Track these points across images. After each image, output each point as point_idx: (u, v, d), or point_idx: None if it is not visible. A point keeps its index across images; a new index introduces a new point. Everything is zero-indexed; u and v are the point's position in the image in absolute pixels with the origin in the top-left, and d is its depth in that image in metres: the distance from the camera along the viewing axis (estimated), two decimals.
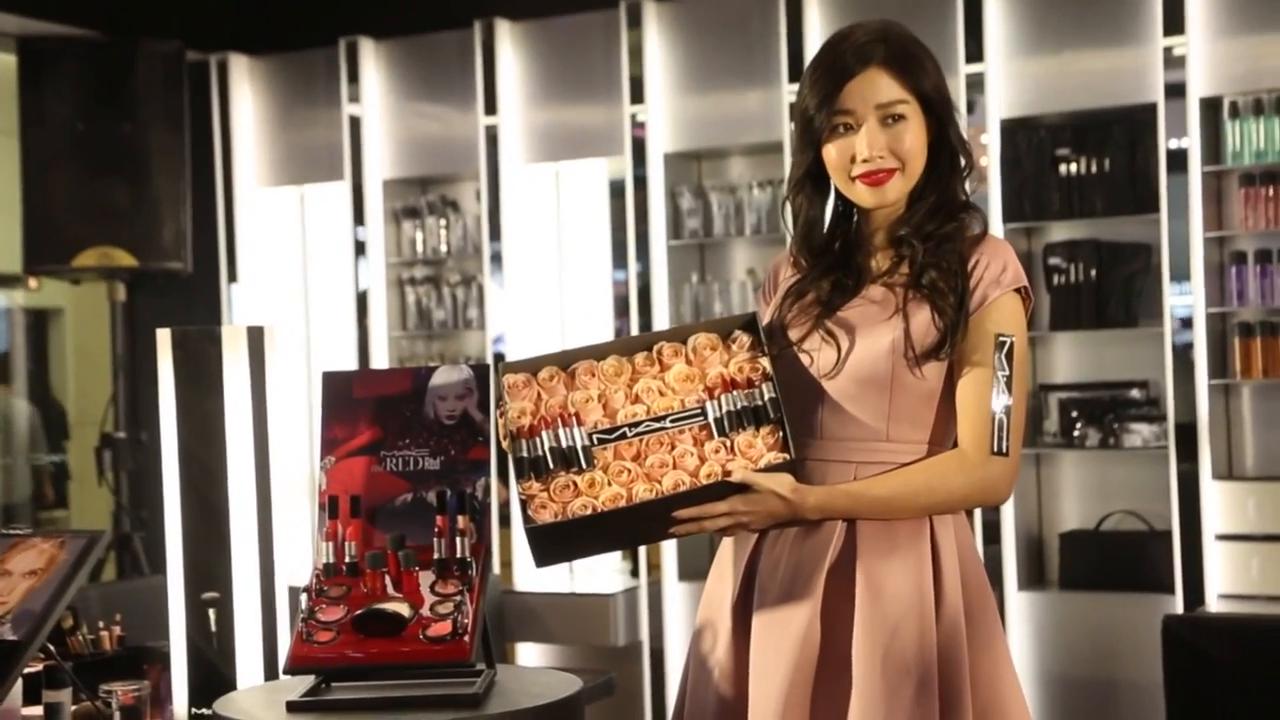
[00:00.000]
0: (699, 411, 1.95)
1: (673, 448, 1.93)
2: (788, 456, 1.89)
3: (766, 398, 1.93)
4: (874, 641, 1.89)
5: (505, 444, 1.97)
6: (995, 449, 1.90)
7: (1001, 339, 1.91)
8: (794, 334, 2.00)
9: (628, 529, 1.96)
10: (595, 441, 1.94)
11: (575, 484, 1.92)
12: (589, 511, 1.90)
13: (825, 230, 2.03)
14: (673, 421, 1.95)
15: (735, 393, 1.94)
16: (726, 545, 2.06)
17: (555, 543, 1.93)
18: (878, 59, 1.93)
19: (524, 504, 1.92)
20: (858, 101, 1.93)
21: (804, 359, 1.97)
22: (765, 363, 1.95)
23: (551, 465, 1.93)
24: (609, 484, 1.92)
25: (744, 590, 2.00)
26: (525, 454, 1.94)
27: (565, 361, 2.01)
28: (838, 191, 2.01)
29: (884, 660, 1.88)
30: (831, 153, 1.96)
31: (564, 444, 1.94)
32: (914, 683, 1.88)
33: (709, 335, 2.00)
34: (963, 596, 1.95)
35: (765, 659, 1.94)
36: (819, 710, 1.91)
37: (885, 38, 1.95)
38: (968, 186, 2.01)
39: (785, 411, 1.91)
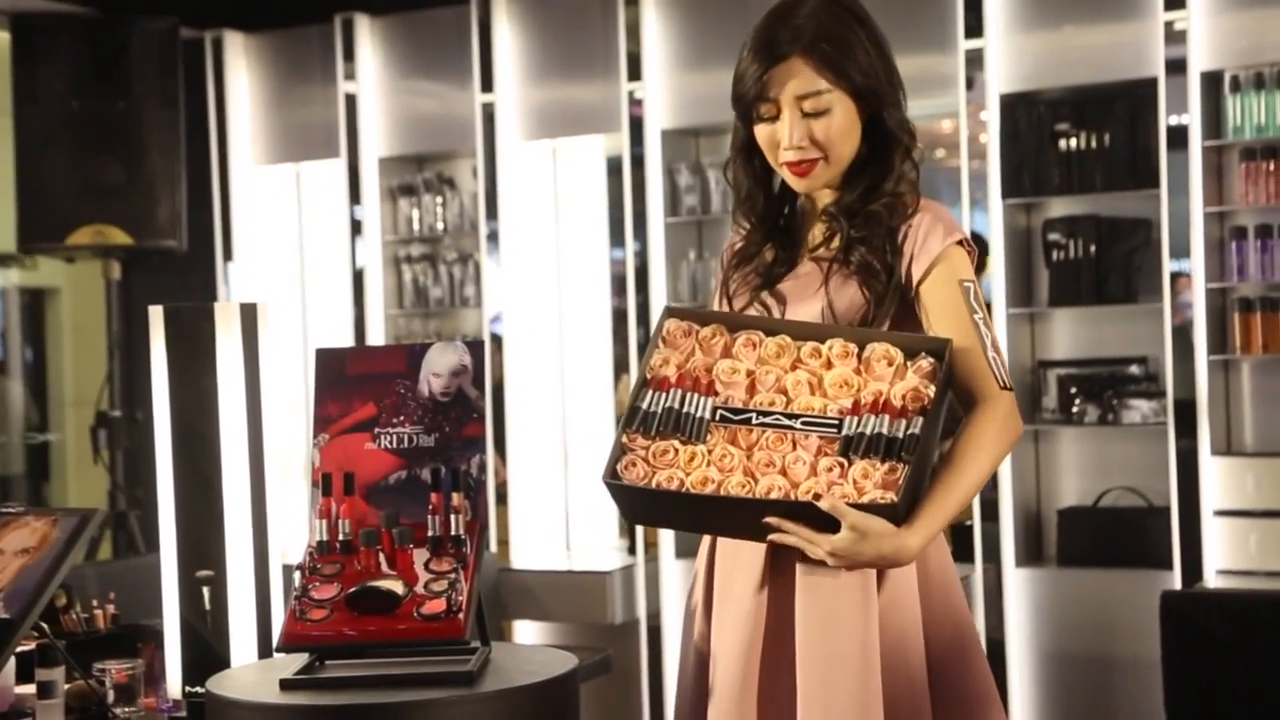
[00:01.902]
0: (835, 423, 1.82)
1: (792, 449, 1.82)
2: (893, 499, 1.75)
3: (907, 433, 1.79)
4: (812, 633, 1.85)
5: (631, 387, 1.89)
6: (1002, 385, 1.89)
7: (965, 284, 1.91)
8: (737, 303, 1.99)
9: (709, 517, 1.86)
10: (718, 418, 1.84)
11: (676, 452, 1.83)
12: (673, 486, 1.81)
13: (771, 197, 2.01)
14: (804, 424, 1.83)
15: (883, 416, 1.81)
16: None
17: (634, 504, 1.86)
18: (802, 45, 1.89)
19: (618, 454, 1.82)
20: (777, 90, 1.90)
21: None
22: (930, 394, 1.81)
23: (664, 427, 1.84)
24: (707, 465, 1.82)
25: (709, 572, 1.98)
26: (645, 405, 1.85)
27: (734, 325, 1.91)
28: (767, 173, 2.00)
29: (824, 653, 1.84)
30: (760, 135, 1.95)
31: (686, 409, 1.84)
32: (854, 674, 1.83)
33: (892, 348, 1.85)
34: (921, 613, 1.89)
35: (721, 640, 1.92)
36: (767, 692, 1.88)
37: (821, 17, 1.90)
38: (915, 160, 1.96)
39: (925, 457, 1.79)
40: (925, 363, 1.85)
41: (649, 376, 1.87)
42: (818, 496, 1.77)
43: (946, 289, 1.91)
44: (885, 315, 1.92)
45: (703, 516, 1.87)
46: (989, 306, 1.99)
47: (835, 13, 1.92)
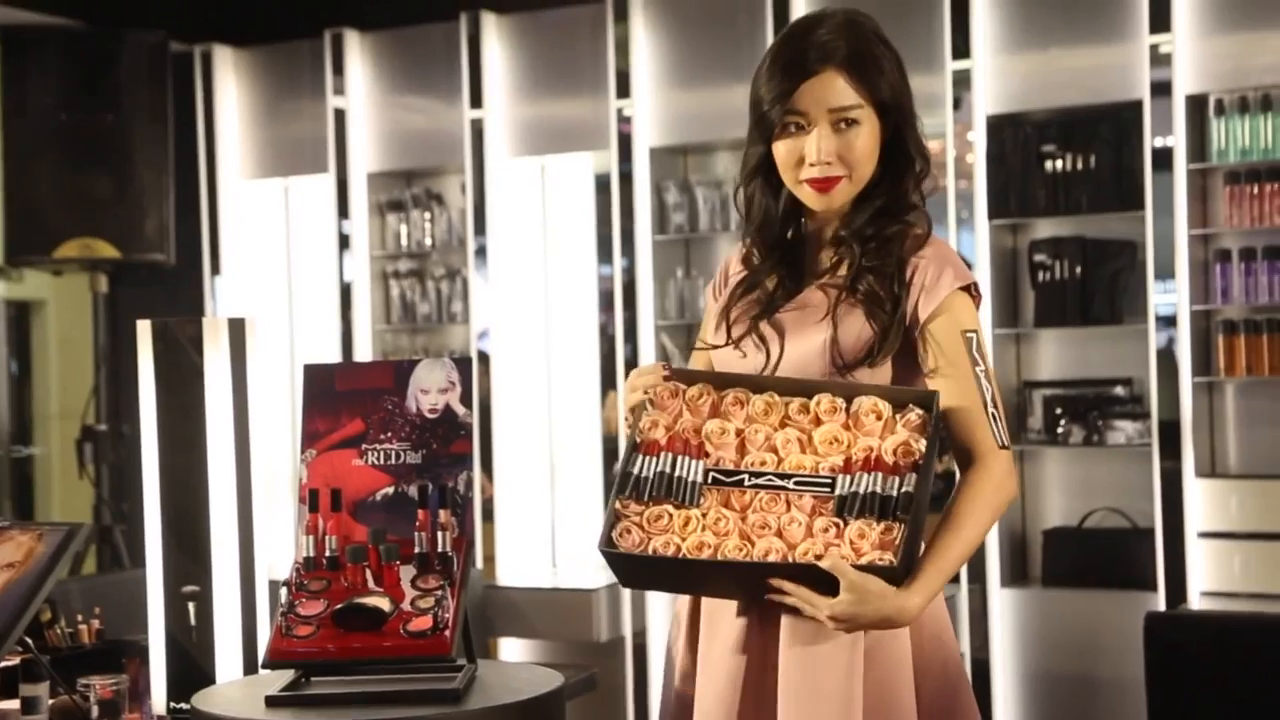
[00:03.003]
0: (828, 483, 1.81)
1: (786, 509, 1.81)
2: (892, 561, 1.74)
3: (901, 491, 1.78)
4: (794, 673, 1.83)
5: (625, 440, 1.88)
6: (1000, 444, 1.87)
7: (968, 335, 1.89)
8: (736, 330, 1.96)
9: (706, 581, 1.85)
10: (711, 480, 1.83)
11: (670, 517, 1.82)
12: (670, 552, 1.80)
13: (783, 222, 1.97)
14: (796, 484, 1.82)
15: (876, 474, 1.80)
16: None
17: (630, 570, 1.85)
18: (836, 60, 1.87)
19: (612, 521, 1.82)
20: (810, 103, 1.87)
21: (739, 357, 1.95)
22: (921, 448, 1.80)
23: (657, 491, 1.83)
24: (702, 529, 1.81)
25: (693, 614, 1.96)
26: (636, 469, 1.84)
27: (721, 383, 1.89)
28: (781, 195, 1.96)
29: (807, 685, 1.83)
30: (780, 151, 1.90)
31: (678, 473, 1.83)
32: (835, 714, 1.82)
33: (878, 402, 1.83)
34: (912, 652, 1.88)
35: (706, 679, 1.90)
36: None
37: (848, 35, 1.89)
38: (924, 189, 1.95)
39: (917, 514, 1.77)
40: (914, 415, 1.83)
41: (639, 441, 1.86)
42: (818, 558, 1.76)
43: (950, 338, 1.88)
44: (891, 349, 1.88)
45: (700, 580, 1.86)
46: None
47: (861, 31, 1.91)
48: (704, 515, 1.82)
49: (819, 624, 1.79)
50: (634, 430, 1.87)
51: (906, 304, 1.89)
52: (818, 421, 1.85)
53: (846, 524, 1.79)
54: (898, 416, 1.83)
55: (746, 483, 1.83)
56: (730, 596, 1.87)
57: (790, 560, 1.77)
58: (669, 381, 1.88)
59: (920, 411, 1.83)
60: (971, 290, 1.91)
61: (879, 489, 1.79)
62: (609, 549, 1.81)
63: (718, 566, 1.79)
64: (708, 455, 1.85)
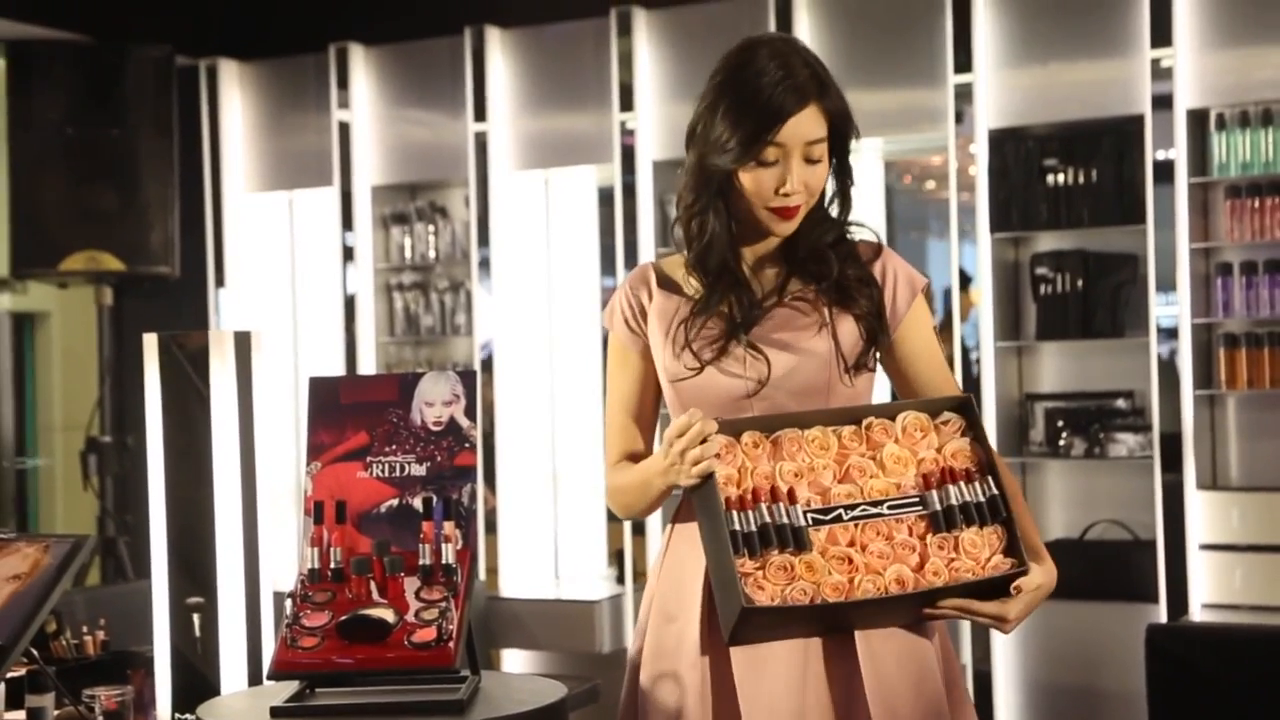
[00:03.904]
0: (917, 500, 1.86)
1: (890, 538, 1.84)
2: (1019, 565, 1.83)
3: (988, 494, 1.85)
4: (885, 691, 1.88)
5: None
6: None
7: (934, 329, 2.06)
8: (706, 354, 1.96)
9: (842, 619, 1.86)
10: (810, 521, 1.84)
11: (792, 566, 1.81)
12: (806, 600, 1.80)
13: (725, 253, 1.98)
14: (890, 508, 1.86)
15: (959, 485, 1.86)
16: (676, 547, 2.01)
17: (763, 624, 1.83)
18: (814, 95, 1.92)
19: (740, 581, 1.80)
20: (791, 138, 1.91)
21: (726, 377, 1.95)
22: (982, 451, 1.88)
23: (766, 543, 1.82)
24: (830, 571, 1.82)
25: (710, 607, 1.94)
26: (738, 527, 1.83)
27: (768, 427, 1.90)
28: (726, 211, 1.97)
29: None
30: (750, 179, 1.93)
31: (779, 521, 1.83)
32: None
33: (918, 415, 1.90)
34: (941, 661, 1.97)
35: (763, 691, 1.89)
36: None
37: (812, 64, 1.94)
38: (849, 203, 2.02)
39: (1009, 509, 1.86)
40: (955, 420, 1.90)
41: (724, 499, 1.85)
42: (954, 573, 1.83)
43: (926, 336, 2.04)
44: (883, 350, 2.01)
45: (835, 621, 1.87)
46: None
47: (812, 56, 1.97)
48: (824, 556, 1.83)
49: (901, 650, 1.88)
50: (714, 491, 1.84)
51: (894, 306, 2.00)
52: (871, 444, 1.89)
53: (957, 539, 1.85)
54: (939, 424, 1.91)
55: (845, 517, 1.86)
56: (871, 626, 1.88)
57: (923, 584, 1.82)
58: (720, 434, 1.87)
59: (958, 418, 1.91)
60: (925, 291, 2.05)
61: (969, 498, 1.86)
62: (750, 608, 1.78)
63: (859, 604, 1.81)
64: (796, 499, 1.86)
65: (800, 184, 1.93)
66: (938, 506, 1.86)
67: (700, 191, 1.98)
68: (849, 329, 1.97)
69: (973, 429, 1.90)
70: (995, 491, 1.86)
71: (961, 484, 1.87)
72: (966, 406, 1.91)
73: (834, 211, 2.01)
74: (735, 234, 1.99)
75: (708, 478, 1.84)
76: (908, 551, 1.84)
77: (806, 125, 1.92)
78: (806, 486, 1.87)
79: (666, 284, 2.04)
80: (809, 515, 1.85)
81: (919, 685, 1.89)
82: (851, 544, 1.84)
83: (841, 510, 1.85)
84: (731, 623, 1.80)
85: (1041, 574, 1.87)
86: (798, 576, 1.82)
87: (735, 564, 1.80)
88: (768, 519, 1.83)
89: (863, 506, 1.86)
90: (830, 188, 2.00)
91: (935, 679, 1.91)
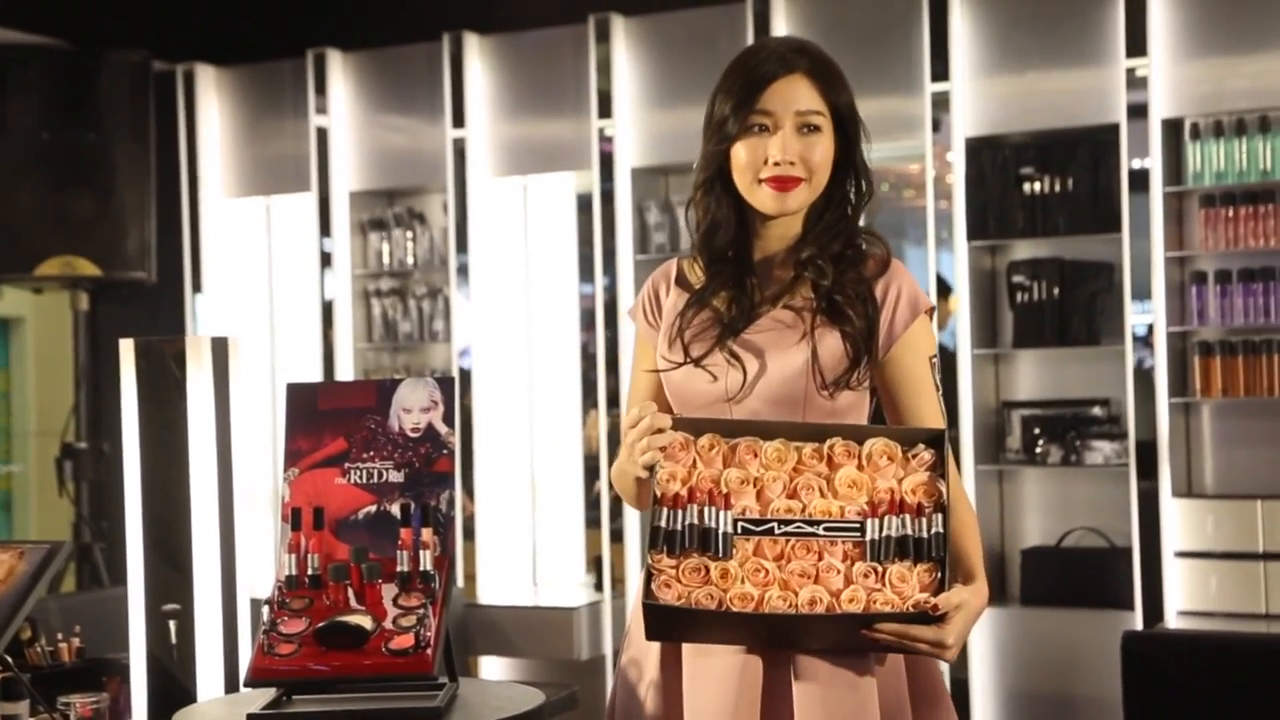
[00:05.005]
0: (857, 527, 1.83)
1: (820, 558, 1.82)
2: (933, 604, 1.79)
3: (932, 531, 1.81)
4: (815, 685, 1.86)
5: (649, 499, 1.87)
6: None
7: (932, 360, 1.98)
8: (695, 350, 1.96)
9: (748, 632, 1.84)
10: (739, 530, 1.83)
11: (707, 570, 1.81)
12: (713, 605, 1.79)
13: (730, 232, 1.98)
14: (826, 530, 1.83)
15: (903, 516, 1.82)
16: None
17: (669, 623, 1.83)
18: (801, 68, 1.93)
19: (649, 576, 1.81)
20: (778, 104, 1.92)
21: (707, 377, 1.95)
22: (943, 489, 1.83)
23: (688, 544, 1.82)
24: (742, 581, 1.80)
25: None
26: (664, 524, 1.83)
27: (730, 431, 1.88)
28: (734, 206, 1.98)
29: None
30: (741, 153, 1.93)
31: (707, 524, 1.82)
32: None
33: (889, 443, 1.86)
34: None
35: (701, 700, 1.88)
36: None
37: (807, 50, 1.96)
38: (866, 210, 2.00)
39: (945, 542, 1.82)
40: (926, 454, 1.86)
41: (660, 494, 1.85)
42: (921, 605, 1.78)
43: (919, 363, 1.96)
44: (869, 370, 1.93)
45: (741, 632, 1.85)
46: (953, 346, 2.05)
47: (819, 49, 1.98)
48: (741, 566, 1.82)
49: (833, 666, 1.84)
50: (654, 484, 1.85)
51: (891, 326, 1.94)
52: (831, 465, 1.86)
53: (885, 570, 1.81)
54: (909, 456, 1.86)
55: (776, 531, 1.83)
56: (786, 646, 1.85)
57: (837, 609, 1.79)
58: (676, 431, 1.87)
59: (930, 450, 1.86)
60: (930, 312, 1.99)
61: (910, 531, 1.81)
62: (650, 603, 1.79)
63: (764, 619, 1.79)
64: (732, 505, 1.84)
65: (795, 154, 1.91)
66: (875, 535, 1.82)
67: (706, 174, 1.98)
68: (832, 344, 1.92)
69: (940, 465, 1.85)
70: (940, 530, 1.81)
71: (908, 517, 1.82)
72: (938, 441, 1.86)
73: (846, 211, 1.98)
74: (745, 224, 1.98)
75: (653, 471, 1.85)
76: (831, 574, 1.81)
77: (793, 91, 1.92)
78: (753, 496, 1.85)
79: (682, 281, 2.04)
80: (740, 524, 1.83)
81: (850, 710, 1.84)
82: (779, 558, 1.82)
83: (775, 524, 1.83)
84: (644, 617, 1.82)
85: (967, 592, 1.83)
86: (709, 581, 1.81)
87: (650, 558, 1.82)
88: (694, 520, 1.83)
89: (798, 523, 1.83)
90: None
91: (869, 707, 1.84)
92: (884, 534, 1.82)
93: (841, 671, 1.84)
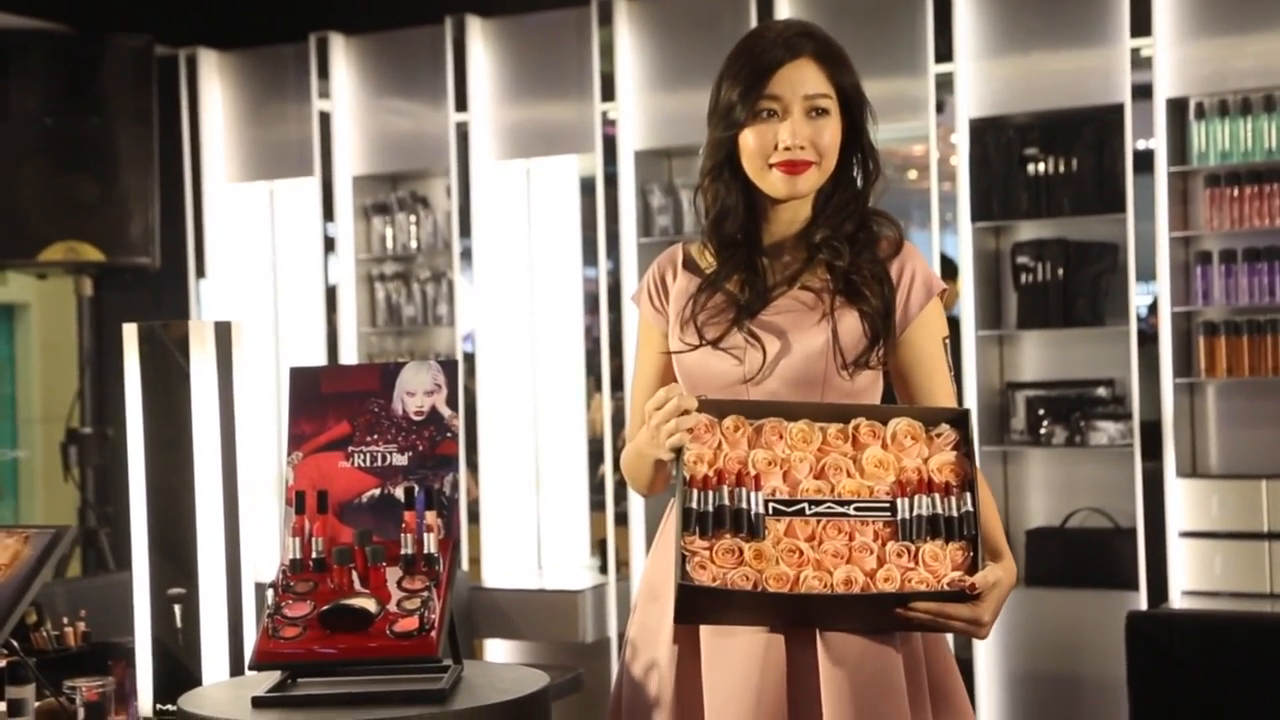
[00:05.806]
0: (888, 506, 1.83)
1: (851, 538, 1.82)
2: (969, 582, 1.80)
3: (963, 510, 1.82)
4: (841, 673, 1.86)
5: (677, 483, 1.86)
6: None
7: (945, 340, 2.00)
8: (710, 333, 1.96)
9: (782, 612, 1.84)
10: (770, 510, 1.83)
11: (741, 551, 1.81)
12: (749, 586, 1.79)
13: (740, 217, 1.98)
14: (857, 510, 1.83)
15: (933, 495, 1.83)
16: (668, 526, 1.99)
17: (704, 605, 1.83)
18: (808, 51, 1.94)
19: (683, 558, 1.80)
20: (786, 88, 1.93)
21: (725, 359, 1.95)
22: (969, 468, 1.84)
23: (720, 525, 1.82)
24: (777, 561, 1.80)
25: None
26: (695, 505, 1.82)
27: (754, 413, 1.88)
28: (743, 190, 1.98)
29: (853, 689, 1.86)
30: (750, 139, 1.94)
31: (737, 505, 1.82)
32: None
33: (912, 423, 1.87)
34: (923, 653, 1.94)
35: (723, 680, 1.88)
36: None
37: (812, 33, 1.97)
38: (875, 191, 2.01)
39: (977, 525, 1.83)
40: (950, 433, 1.87)
41: (689, 475, 1.85)
42: (907, 583, 1.80)
43: (932, 343, 1.98)
44: (888, 350, 1.95)
45: (776, 612, 1.85)
46: (958, 327, 2.05)
47: (823, 33, 1.99)
48: (775, 546, 1.82)
49: (862, 654, 1.84)
50: (681, 467, 1.85)
51: (906, 306, 1.96)
52: (857, 445, 1.87)
53: (918, 549, 1.82)
54: (932, 435, 1.87)
55: (807, 511, 1.84)
56: (821, 626, 1.85)
57: (873, 589, 1.79)
58: (701, 413, 1.87)
59: (953, 429, 1.87)
60: (942, 296, 2.00)
61: (940, 511, 1.83)
62: (686, 584, 1.79)
63: (800, 599, 1.79)
64: (761, 486, 1.84)
65: (804, 138, 1.92)
66: (906, 515, 1.83)
67: (714, 160, 1.99)
68: (851, 324, 1.93)
69: (964, 445, 1.86)
70: (970, 509, 1.82)
71: (937, 496, 1.83)
72: (963, 421, 1.88)
73: (855, 193, 1.98)
74: (754, 208, 1.98)
75: (679, 453, 1.84)
76: (865, 554, 1.81)
77: (801, 75, 1.93)
78: (780, 477, 1.85)
79: (691, 265, 2.04)
80: (771, 505, 1.83)
81: (877, 690, 1.85)
82: (810, 539, 1.83)
83: (806, 504, 1.84)
84: (677, 600, 1.81)
85: (1000, 569, 1.85)
86: (744, 562, 1.81)
87: (683, 541, 1.81)
88: (725, 501, 1.83)
89: (829, 503, 1.84)
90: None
91: (896, 687, 1.86)
92: (915, 513, 1.83)
93: (868, 651, 1.85)
